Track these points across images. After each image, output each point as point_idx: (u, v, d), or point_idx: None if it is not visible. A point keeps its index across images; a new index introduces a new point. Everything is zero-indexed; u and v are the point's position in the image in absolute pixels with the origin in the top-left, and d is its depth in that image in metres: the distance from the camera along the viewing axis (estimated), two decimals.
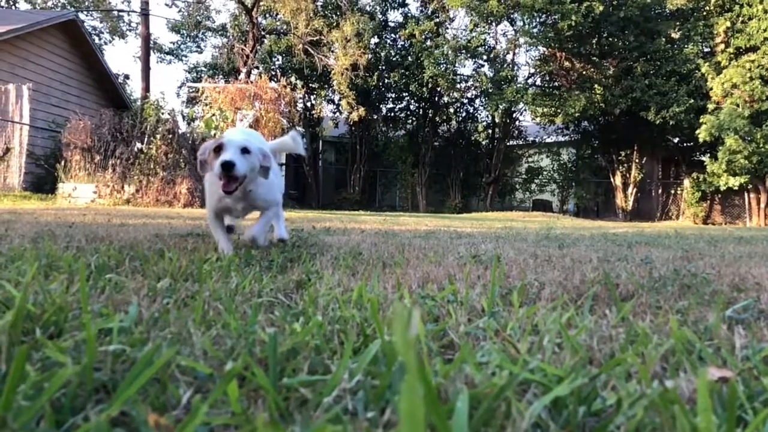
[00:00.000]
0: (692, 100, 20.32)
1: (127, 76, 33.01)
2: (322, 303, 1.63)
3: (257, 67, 23.91)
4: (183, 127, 15.75)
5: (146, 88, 25.53)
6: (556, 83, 24.06)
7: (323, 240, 4.26)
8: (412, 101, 26.30)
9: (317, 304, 1.59)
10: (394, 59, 25.19)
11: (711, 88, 19.51)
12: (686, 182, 22.33)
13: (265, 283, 2.13)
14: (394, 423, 0.85)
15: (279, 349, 1.15)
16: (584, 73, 22.61)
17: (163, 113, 13.81)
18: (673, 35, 21.97)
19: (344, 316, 1.49)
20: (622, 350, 1.27)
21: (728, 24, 19.71)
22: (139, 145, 12.84)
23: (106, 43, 34.85)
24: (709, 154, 21.04)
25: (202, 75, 25.60)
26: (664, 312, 1.77)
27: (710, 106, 19.44)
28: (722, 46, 20.09)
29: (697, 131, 18.97)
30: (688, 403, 0.99)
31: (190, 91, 21.99)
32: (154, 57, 32.11)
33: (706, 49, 21.74)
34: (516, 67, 25.11)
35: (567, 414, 0.88)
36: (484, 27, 24.18)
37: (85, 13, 33.35)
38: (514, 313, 1.60)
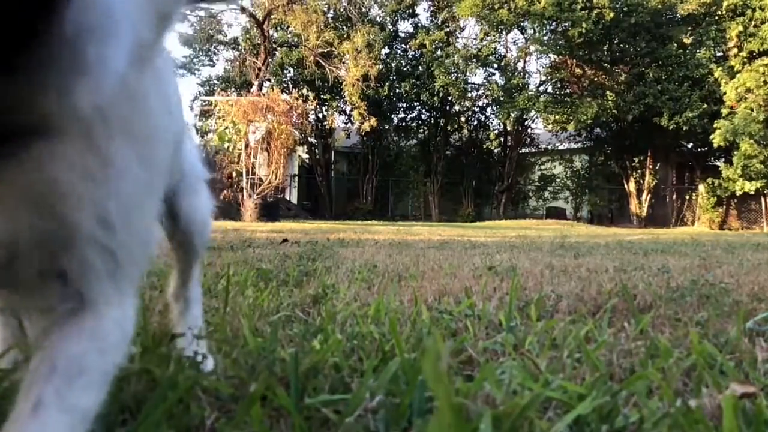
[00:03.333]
0: (706, 105, 20.18)
1: None
2: (340, 319, 1.64)
3: (269, 80, 24.09)
4: (196, 140, 15.90)
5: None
6: (567, 90, 24.01)
7: (338, 252, 4.27)
8: (424, 110, 26.35)
9: (335, 320, 1.60)
10: (404, 69, 25.27)
11: (725, 93, 19.38)
12: (701, 188, 22.14)
13: (282, 296, 2.15)
14: None
15: (299, 368, 1.15)
16: (596, 79, 22.54)
17: None
18: (684, 40, 21.86)
19: (362, 332, 1.49)
20: (643, 365, 1.26)
21: (741, 28, 19.59)
22: None
23: None
24: (723, 159, 20.86)
25: (215, 88, 25.82)
26: (683, 324, 1.76)
27: (724, 111, 19.28)
28: (735, 50, 19.96)
29: (712, 136, 18.82)
30: (711, 419, 0.99)
31: (203, 104, 22.20)
32: None
33: (718, 54, 21.60)
34: (527, 75, 25.11)
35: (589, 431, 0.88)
36: (494, 36, 24.22)
37: None
38: (532, 327, 1.60)
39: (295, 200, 24.01)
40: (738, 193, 19.34)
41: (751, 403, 1.04)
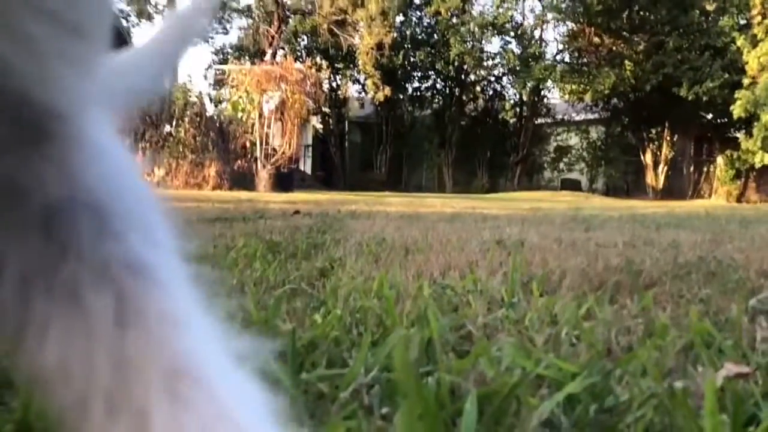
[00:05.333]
0: (727, 75, 19.77)
1: None
2: (343, 293, 1.66)
3: (282, 48, 23.93)
4: (210, 110, 15.91)
5: (173, 71, 25.76)
6: (585, 60, 23.62)
7: (348, 224, 4.29)
8: (438, 80, 26.09)
9: (338, 294, 1.62)
10: (419, 37, 24.96)
11: (746, 62, 18.94)
12: (719, 160, 21.82)
13: (290, 269, 2.18)
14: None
15: (299, 342, 1.18)
16: (614, 48, 22.13)
17: (190, 96, 13.95)
18: (707, 7, 21.33)
19: (365, 307, 1.51)
20: (640, 343, 1.27)
21: None
22: (167, 128, 13.02)
23: (133, 26, 35.19)
24: (744, 131, 20.50)
25: (229, 57, 25.71)
26: (686, 302, 1.76)
27: (746, 81, 18.87)
28: (759, 18, 19.43)
29: (732, 107, 18.47)
30: (703, 398, 1.00)
31: (217, 73, 22.14)
32: None
33: (742, 22, 21.06)
34: (544, 44, 24.74)
35: (579, 410, 0.90)
36: (511, 3, 23.80)
37: None
38: (533, 303, 1.61)
39: (309, 171, 24.04)
40: (757, 165, 19.04)
41: (746, 383, 1.06)
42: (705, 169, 23.41)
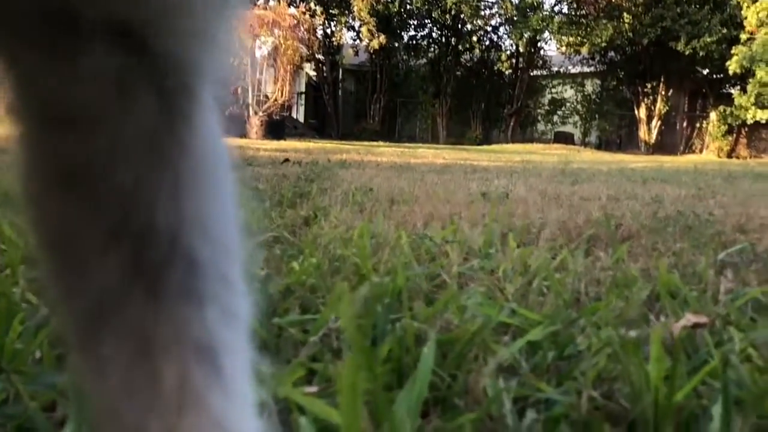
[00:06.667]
0: (725, 30, 19.51)
1: None
2: (324, 242, 1.69)
3: None
4: None
5: None
6: (583, 11, 23.19)
7: (337, 173, 4.30)
8: (435, 28, 25.60)
9: (318, 243, 1.65)
10: None
11: (745, 17, 18.68)
12: (713, 115, 21.75)
13: (274, 217, 2.20)
14: (376, 360, 0.91)
15: (275, 288, 1.21)
16: (613, 0, 21.72)
17: None
18: None
19: (344, 255, 1.55)
20: (608, 294, 1.31)
21: None
22: None
23: None
24: (739, 87, 20.37)
25: None
26: (659, 254, 1.81)
27: (743, 37, 18.65)
28: None
29: (728, 62, 18.32)
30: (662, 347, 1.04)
31: None
32: None
33: None
34: None
35: (539, 357, 0.94)
36: None
37: None
38: (509, 254, 1.65)
39: (301, 118, 23.80)
40: (749, 121, 19.02)
41: (707, 333, 1.10)
42: (698, 124, 23.35)
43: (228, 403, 0.35)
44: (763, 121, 18.79)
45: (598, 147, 24.11)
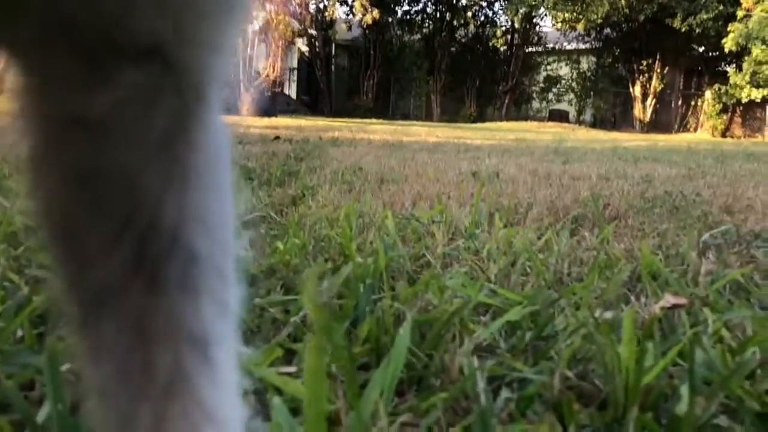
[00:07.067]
0: (722, 7, 19.39)
1: None
2: (310, 222, 1.69)
3: None
4: None
5: None
6: None
7: (327, 152, 4.29)
8: (429, 3, 25.34)
9: (304, 222, 1.65)
10: None
11: None
12: (707, 94, 21.72)
13: (261, 196, 2.20)
14: (356, 341, 0.92)
15: (258, 268, 1.22)
16: None
17: None
18: None
19: (329, 235, 1.55)
20: (590, 274, 1.32)
21: None
22: None
23: None
24: (734, 65, 20.31)
25: None
26: (644, 235, 1.82)
27: (740, 14, 18.55)
28: None
29: (724, 40, 18.24)
30: (640, 328, 1.06)
31: None
32: None
33: None
34: None
35: (516, 337, 0.95)
36: None
37: None
38: (494, 234, 1.65)
39: (294, 95, 23.63)
40: (744, 100, 19.00)
41: (686, 314, 1.12)
42: (693, 102, 23.32)
43: (217, 391, 0.37)
44: (758, 100, 18.79)
45: (593, 125, 24.06)
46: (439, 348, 0.85)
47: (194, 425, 0.35)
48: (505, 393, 0.77)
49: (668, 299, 1.19)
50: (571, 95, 26.40)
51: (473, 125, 18.10)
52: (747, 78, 17.98)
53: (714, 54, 21.94)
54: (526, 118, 24.74)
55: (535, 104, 27.36)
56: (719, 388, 0.69)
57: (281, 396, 0.68)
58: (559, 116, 24.87)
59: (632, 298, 1.22)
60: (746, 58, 17.96)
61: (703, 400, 0.65)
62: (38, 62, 0.34)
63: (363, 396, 0.67)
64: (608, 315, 0.94)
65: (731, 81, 19.17)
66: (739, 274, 1.29)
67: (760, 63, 17.46)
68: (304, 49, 24.77)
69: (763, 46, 17.16)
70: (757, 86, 18.18)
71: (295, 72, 23.95)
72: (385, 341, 0.88)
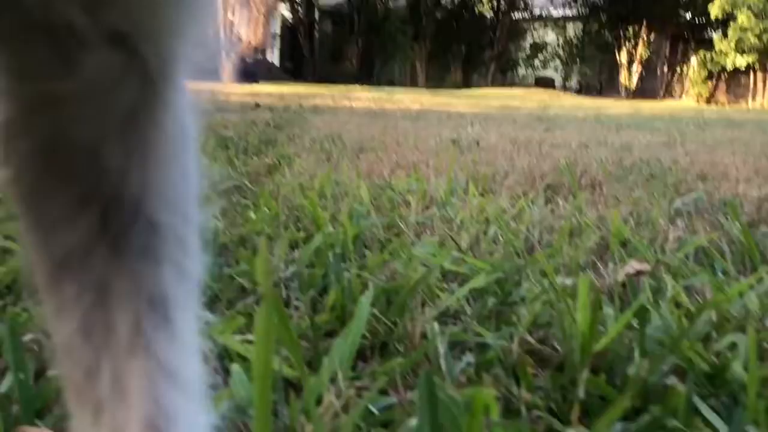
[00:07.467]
0: None
1: None
2: (285, 191, 1.69)
3: None
4: None
5: None
6: None
7: (308, 120, 4.26)
8: None
9: (278, 192, 1.65)
10: None
11: None
12: (693, 60, 21.73)
13: (238, 165, 2.19)
14: (322, 309, 0.93)
15: (229, 238, 1.22)
16: None
17: None
18: None
19: (303, 205, 1.55)
20: (558, 241, 1.34)
21: None
22: None
23: None
24: (720, 32, 20.30)
25: None
26: (618, 203, 1.84)
27: None
28: None
29: (710, 6, 18.19)
30: (607, 294, 1.08)
31: None
32: None
33: None
34: None
35: (481, 303, 0.97)
36: None
37: None
38: (468, 203, 1.66)
39: (276, 61, 23.31)
40: (729, 67, 19.05)
41: (648, 280, 1.14)
42: (678, 69, 23.33)
43: (175, 350, 0.39)
44: (743, 68, 18.85)
45: (579, 92, 24.03)
46: (405, 315, 0.87)
47: (152, 380, 0.38)
48: (467, 358, 0.79)
49: (632, 265, 1.21)
50: (557, 62, 26.31)
51: (458, 92, 18.00)
52: (732, 45, 18.01)
53: (700, 20, 21.91)
54: (512, 85, 24.65)
55: (521, 71, 27.24)
56: (669, 351, 0.71)
57: (243, 363, 0.69)
58: (545, 83, 24.82)
59: (600, 264, 1.24)
60: (732, 24, 17.95)
61: (651, 361, 0.67)
62: (8, 46, 0.36)
63: (322, 362, 0.68)
64: (569, 282, 0.96)
65: (717, 48, 19.18)
66: (704, 241, 1.31)
67: (745, 29, 17.47)
68: (287, 14, 24.37)
69: (749, 13, 17.15)
70: (742, 52, 18.21)
71: (278, 38, 23.58)
72: (351, 309, 0.89)
